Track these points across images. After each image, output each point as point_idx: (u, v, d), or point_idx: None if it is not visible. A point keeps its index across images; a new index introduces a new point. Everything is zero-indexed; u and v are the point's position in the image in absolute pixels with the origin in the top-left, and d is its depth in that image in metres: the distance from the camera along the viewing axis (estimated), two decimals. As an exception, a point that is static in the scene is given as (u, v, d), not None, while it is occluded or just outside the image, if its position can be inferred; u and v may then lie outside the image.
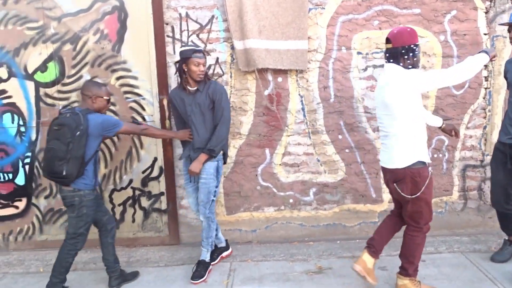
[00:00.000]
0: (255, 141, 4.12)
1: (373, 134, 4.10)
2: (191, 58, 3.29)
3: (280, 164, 4.16)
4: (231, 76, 4.05)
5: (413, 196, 2.84)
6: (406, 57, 2.79)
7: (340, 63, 4.04)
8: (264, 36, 3.86)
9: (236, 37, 3.87)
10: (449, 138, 4.10)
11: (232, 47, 3.97)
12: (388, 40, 2.87)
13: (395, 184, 2.90)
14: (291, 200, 4.21)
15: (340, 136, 4.12)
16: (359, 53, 4.03)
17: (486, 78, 4.07)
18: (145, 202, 4.22)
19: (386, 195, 4.18)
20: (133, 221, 4.25)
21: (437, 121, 3.27)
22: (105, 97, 3.24)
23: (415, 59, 2.82)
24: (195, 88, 3.41)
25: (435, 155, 4.14)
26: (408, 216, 2.99)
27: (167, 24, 4.01)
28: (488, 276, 3.36)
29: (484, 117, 4.11)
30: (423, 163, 2.83)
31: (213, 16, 3.98)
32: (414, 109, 2.80)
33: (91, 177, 3.18)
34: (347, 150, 4.13)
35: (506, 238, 3.67)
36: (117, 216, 4.22)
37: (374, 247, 3.08)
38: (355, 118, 4.10)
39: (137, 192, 4.20)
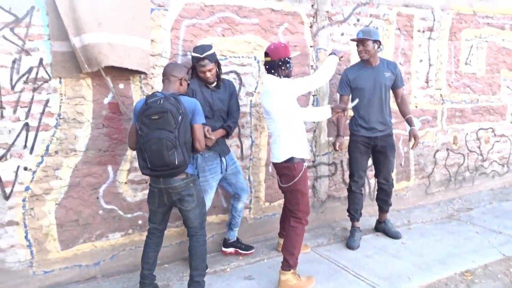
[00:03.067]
0: (94, 158, 3.50)
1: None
2: (196, 65, 3.49)
3: (125, 182, 3.64)
4: (60, 82, 3.33)
5: (289, 185, 3.25)
6: (283, 68, 3.25)
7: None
8: (105, 28, 3.27)
9: (72, 33, 3.19)
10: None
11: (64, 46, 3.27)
12: (266, 54, 3.28)
13: (278, 176, 3.37)
14: (140, 221, 3.74)
15: (189, 147, 3.88)
16: (204, 59, 3.87)
17: (313, 86, 4.47)
18: None
19: (236, 203, 4.15)
20: None
21: (326, 112, 3.54)
22: (188, 81, 3.16)
23: (290, 69, 3.31)
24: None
25: (277, 160, 4.33)
26: (288, 208, 3.38)
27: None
28: (340, 266, 3.69)
29: (314, 121, 4.51)
30: (299, 158, 3.25)
31: (33, 8, 3.20)
32: (289, 112, 3.22)
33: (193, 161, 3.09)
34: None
35: (351, 227, 4.21)
36: None
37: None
38: (204, 127, 3.93)
39: None
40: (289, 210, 3.37)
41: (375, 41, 3.93)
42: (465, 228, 4.55)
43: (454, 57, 5.46)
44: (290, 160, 3.21)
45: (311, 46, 4.41)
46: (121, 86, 3.54)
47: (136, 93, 3.61)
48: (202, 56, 3.42)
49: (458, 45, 5.48)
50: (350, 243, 4.09)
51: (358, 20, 4.67)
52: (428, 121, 5.34)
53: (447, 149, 5.56)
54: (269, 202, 4.35)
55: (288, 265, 3.26)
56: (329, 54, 3.31)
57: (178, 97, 2.87)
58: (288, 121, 3.22)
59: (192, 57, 3.48)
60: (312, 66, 4.44)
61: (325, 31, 4.48)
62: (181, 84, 3.06)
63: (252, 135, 4.18)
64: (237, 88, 4.03)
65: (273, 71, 3.25)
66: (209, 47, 3.49)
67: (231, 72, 4.01)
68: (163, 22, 3.65)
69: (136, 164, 3.64)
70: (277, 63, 3.23)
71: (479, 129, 5.83)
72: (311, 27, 4.40)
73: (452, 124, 5.56)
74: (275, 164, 3.33)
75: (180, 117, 2.80)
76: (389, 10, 4.86)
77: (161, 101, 2.80)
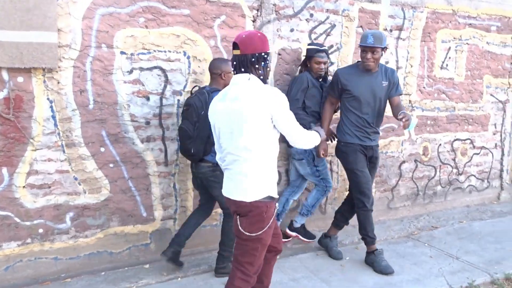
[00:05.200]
0: (-14, 158, 3.16)
1: (142, 146, 3.63)
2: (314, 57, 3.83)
3: (24, 187, 3.29)
4: None
5: (257, 234, 2.39)
6: (257, 66, 2.39)
7: (100, 63, 3.42)
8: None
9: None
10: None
11: None
12: (235, 46, 2.41)
13: (238, 216, 2.43)
14: (40, 230, 3.38)
15: (102, 149, 3.50)
16: (122, 53, 3.49)
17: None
18: None
19: (159, 213, 3.77)
20: None
21: (314, 139, 2.63)
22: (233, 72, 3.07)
23: (267, 69, 2.46)
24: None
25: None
26: (238, 259, 2.48)
27: None
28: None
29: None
30: (273, 198, 2.45)
31: None
32: (274, 138, 2.44)
33: None
34: (111, 165, 3.55)
35: (370, 250, 3.74)
36: None
37: None
38: (120, 128, 3.55)
39: None
40: (237, 263, 2.48)
41: (383, 48, 3.53)
42: (420, 251, 4.07)
43: (427, 60, 4.96)
44: (265, 199, 2.39)
45: (253, 42, 3.98)
46: (20, 79, 3.19)
47: (39, 88, 3.25)
48: (321, 48, 3.90)
49: (432, 47, 4.97)
50: (385, 270, 3.57)
51: (311, 15, 4.21)
52: (393, 129, 4.85)
53: (416, 161, 5.07)
54: (198, 212, 3.95)
55: None
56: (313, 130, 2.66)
57: (212, 93, 3.09)
58: (271, 149, 2.42)
59: (310, 49, 3.87)
60: (254, 64, 4.01)
61: (271, 26, 4.04)
62: (222, 78, 3.33)
63: (179, 138, 3.78)
64: (162, 86, 3.66)
65: (243, 69, 2.40)
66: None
67: (155, 68, 3.62)
68: (73, 10, 3.28)
69: (37, 166, 3.30)
70: (249, 59, 2.37)
71: (454, 140, 5.32)
72: (254, 21, 3.97)
73: (422, 134, 5.06)
74: (238, 203, 2.41)
75: (203, 112, 3.11)
76: (350, 6, 4.39)
77: (194, 95, 3.29)
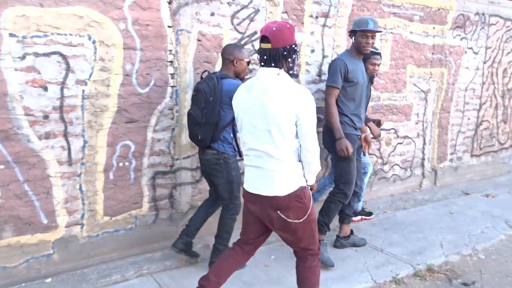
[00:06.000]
0: None
1: (40, 143, 3.17)
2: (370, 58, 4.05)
3: None
4: None
5: (303, 219, 2.42)
6: (289, 60, 2.33)
7: (-16, 47, 2.91)
8: None
9: None
10: (136, 144, 3.58)
11: None
12: (265, 39, 2.30)
13: (278, 212, 2.40)
14: None
15: (-11, 148, 3.01)
16: (12, 35, 2.98)
17: (172, 76, 3.70)
18: None
19: (63, 219, 3.33)
20: None
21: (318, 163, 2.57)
22: (245, 60, 3.26)
23: (296, 62, 2.41)
24: None
25: (121, 164, 3.54)
26: (302, 246, 2.54)
27: None
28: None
29: (172, 118, 3.75)
30: (304, 184, 2.47)
31: None
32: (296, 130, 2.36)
33: (233, 143, 3.27)
34: (1, 167, 3.06)
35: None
36: None
37: None
38: (12, 123, 3.06)
39: None
40: (301, 249, 2.55)
41: None
42: (346, 245, 4.00)
43: (353, 49, 4.86)
44: (298, 188, 2.40)
45: (169, 27, 3.61)
46: None
47: None
48: (377, 51, 4.19)
49: (358, 36, 4.88)
50: (325, 261, 3.51)
51: (233, -2, 3.92)
52: (320, 120, 4.71)
53: (342, 152, 5.00)
54: (110, 216, 3.56)
55: None
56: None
57: (222, 80, 3.12)
58: (295, 145, 2.37)
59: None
60: (171, 51, 3.65)
61: (189, 9, 3.69)
62: (234, 65, 3.25)
63: (85, 134, 3.35)
64: (62, 75, 3.20)
65: (273, 63, 2.31)
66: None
67: (53, 53, 3.15)
68: None
69: None
70: (281, 53, 2.29)
71: (380, 130, 5.31)
72: (170, 3, 3.58)
73: (348, 124, 4.99)
74: (272, 198, 2.37)
75: (212, 98, 3.08)
76: (274, -10, 4.15)
77: (204, 81, 3.21)
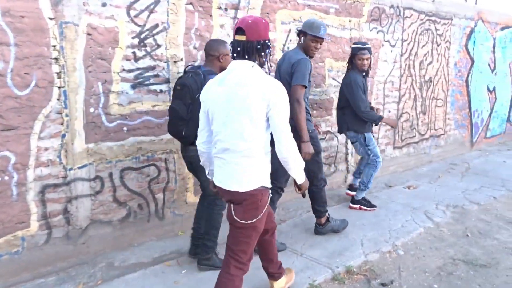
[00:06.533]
0: None
1: None
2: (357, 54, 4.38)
3: None
4: None
5: (252, 221, 2.41)
6: (262, 53, 2.37)
7: None
8: None
9: None
10: (16, 154, 3.10)
11: None
12: (240, 31, 2.35)
13: (232, 205, 2.46)
14: None
15: None
16: None
17: (59, 75, 3.25)
18: None
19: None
20: None
21: (299, 159, 2.51)
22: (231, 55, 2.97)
23: (268, 57, 2.42)
24: None
25: (-1, 179, 3.05)
26: (232, 249, 2.51)
27: None
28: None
29: (62, 123, 3.30)
30: (266, 187, 2.45)
31: None
32: (266, 124, 2.38)
33: None
34: None
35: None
36: None
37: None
38: None
39: None
40: (231, 251, 2.51)
41: None
42: (265, 251, 3.75)
43: (268, 43, 4.64)
44: (258, 188, 2.38)
45: (50, 19, 3.16)
46: None
47: None
48: (364, 46, 4.39)
49: (272, 29, 4.67)
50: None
51: (128, -12, 3.53)
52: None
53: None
54: (-13, 239, 3.06)
55: None
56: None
57: (208, 75, 2.95)
58: (265, 140, 2.40)
59: (354, 47, 4.43)
60: (55, 46, 3.20)
61: (75, 1, 3.26)
62: (220, 61, 3.20)
63: None
64: None
65: (247, 56, 2.34)
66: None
67: None
68: None
69: None
70: (255, 46, 2.33)
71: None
72: (50, -9, 3.15)
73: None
74: (232, 192, 2.39)
75: (198, 94, 2.87)
76: (178, -21, 3.81)
77: (190, 75, 3.10)
